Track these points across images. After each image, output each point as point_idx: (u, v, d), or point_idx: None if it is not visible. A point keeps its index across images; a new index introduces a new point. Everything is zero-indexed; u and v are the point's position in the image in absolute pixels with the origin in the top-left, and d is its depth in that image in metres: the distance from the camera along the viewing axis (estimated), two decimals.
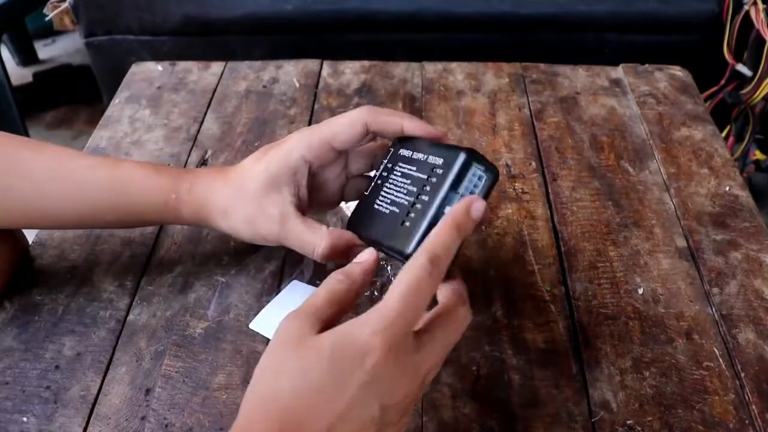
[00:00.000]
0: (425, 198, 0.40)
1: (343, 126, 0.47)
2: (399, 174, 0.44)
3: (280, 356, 0.35)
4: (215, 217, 0.49)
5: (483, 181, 0.40)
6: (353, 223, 0.47)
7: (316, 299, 0.38)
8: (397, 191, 0.43)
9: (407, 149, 0.45)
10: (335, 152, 0.48)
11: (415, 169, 0.42)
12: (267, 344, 0.48)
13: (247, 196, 0.48)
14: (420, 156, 0.43)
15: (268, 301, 0.53)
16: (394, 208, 0.42)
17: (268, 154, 0.48)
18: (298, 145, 0.47)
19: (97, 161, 0.50)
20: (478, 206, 0.39)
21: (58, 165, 0.49)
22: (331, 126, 0.47)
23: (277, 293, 0.53)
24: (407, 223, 0.40)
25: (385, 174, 0.46)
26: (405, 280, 0.36)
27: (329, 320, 0.37)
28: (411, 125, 0.45)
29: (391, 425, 0.36)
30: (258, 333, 0.51)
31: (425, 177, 0.41)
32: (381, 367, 0.34)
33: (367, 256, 0.41)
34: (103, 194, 0.49)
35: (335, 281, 0.39)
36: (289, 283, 0.54)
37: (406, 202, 0.41)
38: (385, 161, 0.47)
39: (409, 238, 0.39)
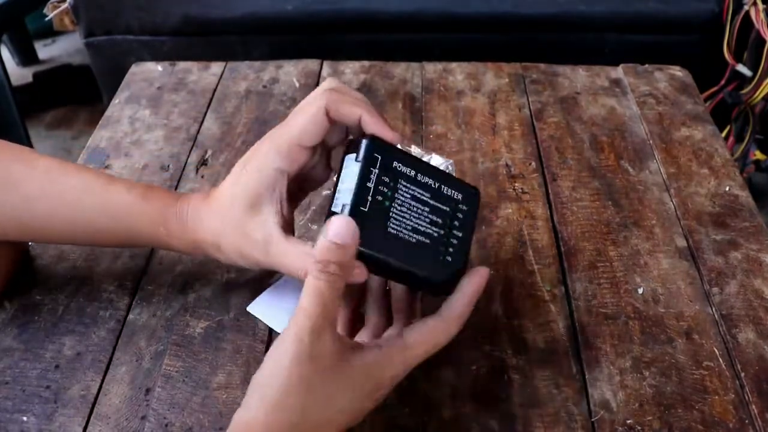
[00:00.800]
0: (459, 234, 0.43)
1: (306, 123, 0.43)
2: (410, 197, 0.42)
3: (319, 382, 0.38)
4: (211, 251, 0.48)
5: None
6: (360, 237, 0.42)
7: (328, 307, 0.38)
8: (417, 218, 0.42)
9: (403, 164, 0.42)
10: (307, 150, 0.45)
11: (430, 196, 0.42)
12: (264, 329, 0.49)
13: (232, 226, 0.46)
14: (429, 182, 0.43)
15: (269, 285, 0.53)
16: (422, 238, 0.42)
17: (244, 171, 0.45)
18: (269, 157, 0.44)
19: (88, 182, 0.49)
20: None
21: (49, 183, 0.49)
22: (296, 126, 0.44)
23: (278, 278, 0.54)
24: (449, 258, 0.43)
25: (384, 189, 0.41)
26: (435, 343, 0.42)
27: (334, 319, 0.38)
28: (369, 120, 0.42)
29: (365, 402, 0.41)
30: (257, 319, 0.51)
31: (449, 210, 0.43)
32: (382, 397, 0.41)
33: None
34: (94, 217, 0.49)
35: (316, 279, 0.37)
36: None
37: (436, 234, 0.42)
38: (375, 169, 0.41)
39: (448, 271, 0.43)
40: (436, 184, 0.43)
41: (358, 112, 0.42)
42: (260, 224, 0.45)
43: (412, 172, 0.42)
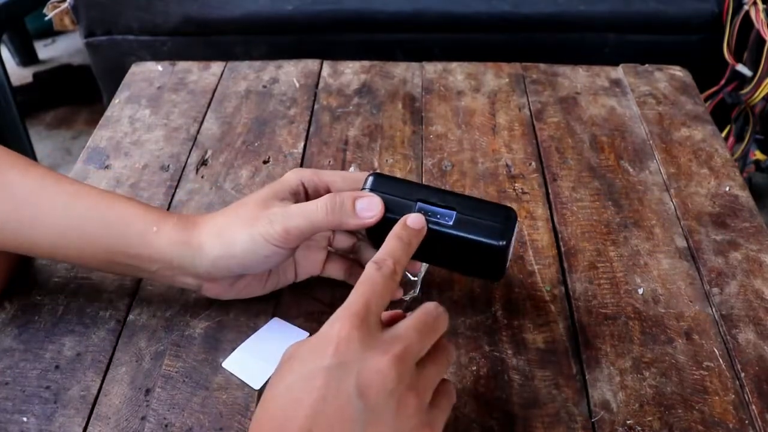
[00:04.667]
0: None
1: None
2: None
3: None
4: (203, 244, 0.47)
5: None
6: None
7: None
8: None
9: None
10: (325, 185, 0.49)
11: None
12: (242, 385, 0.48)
13: (248, 210, 0.47)
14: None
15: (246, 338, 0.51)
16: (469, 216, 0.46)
17: (263, 189, 0.49)
18: (291, 174, 0.49)
19: (83, 188, 0.49)
20: (412, 220, 0.45)
21: (41, 188, 0.48)
22: (326, 175, 0.49)
23: (255, 331, 0.51)
24: (498, 225, 0.46)
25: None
26: (360, 280, 0.40)
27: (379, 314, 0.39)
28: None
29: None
30: (258, 320, 0.51)
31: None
32: (345, 347, 0.36)
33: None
34: (81, 221, 0.47)
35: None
36: (270, 320, 0.52)
37: (479, 218, 0.46)
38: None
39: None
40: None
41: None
42: (280, 205, 0.47)
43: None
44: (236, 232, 0.46)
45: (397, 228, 0.44)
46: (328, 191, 0.49)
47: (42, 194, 0.48)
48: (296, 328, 0.51)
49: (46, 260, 0.57)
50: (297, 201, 0.48)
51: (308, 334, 0.50)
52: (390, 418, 0.35)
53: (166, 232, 0.47)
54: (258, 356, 0.49)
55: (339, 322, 0.37)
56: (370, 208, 0.46)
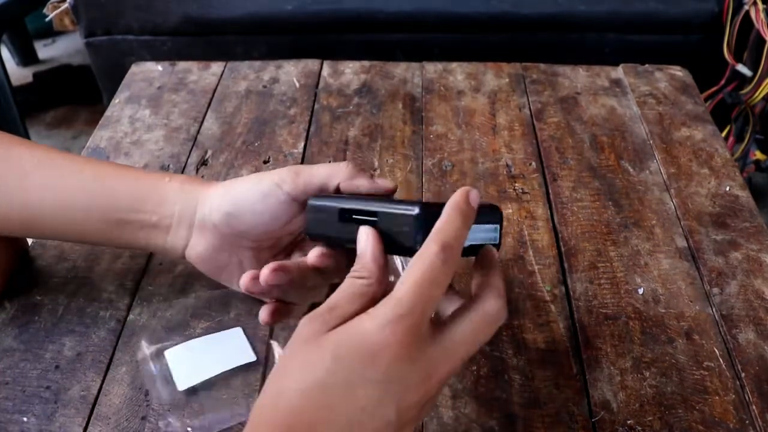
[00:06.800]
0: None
1: (325, 167, 0.46)
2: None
3: (286, 358, 0.34)
4: (212, 197, 0.47)
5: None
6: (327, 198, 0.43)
7: (334, 297, 0.35)
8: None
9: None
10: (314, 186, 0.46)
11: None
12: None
13: (254, 176, 0.47)
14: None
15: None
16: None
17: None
18: (283, 170, 0.47)
19: (89, 160, 0.51)
20: (474, 195, 0.37)
21: (50, 157, 0.49)
22: (314, 166, 0.47)
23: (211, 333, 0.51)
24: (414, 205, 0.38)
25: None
26: (418, 268, 0.33)
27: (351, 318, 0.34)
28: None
29: (409, 425, 0.34)
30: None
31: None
32: (395, 364, 0.32)
33: (362, 238, 0.38)
34: (91, 184, 0.48)
35: (353, 276, 0.36)
36: (233, 329, 0.51)
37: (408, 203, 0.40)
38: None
39: (416, 205, 0.38)
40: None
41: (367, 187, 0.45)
42: (277, 172, 0.46)
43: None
44: (246, 181, 0.47)
45: (460, 204, 0.36)
46: (309, 189, 0.46)
47: (50, 163, 0.49)
48: (249, 348, 0.49)
49: (46, 261, 0.57)
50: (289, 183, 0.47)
51: (255, 359, 0.49)
52: (414, 416, 0.34)
53: (178, 180, 0.49)
54: (198, 359, 0.49)
55: (391, 329, 0.32)
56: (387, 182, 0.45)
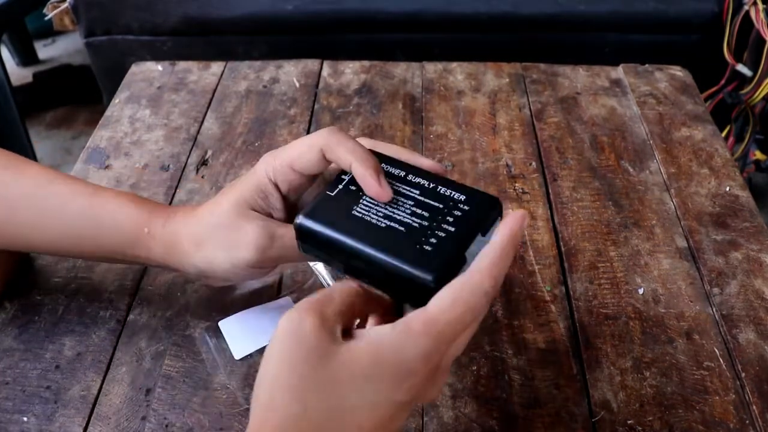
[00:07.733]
0: (450, 229, 0.38)
1: (301, 150, 0.43)
2: (392, 191, 0.40)
3: (305, 371, 0.33)
4: (188, 252, 0.46)
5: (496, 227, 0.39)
6: (319, 218, 0.40)
7: (334, 296, 0.35)
8: (395, 208, 0.39)
9: (394, 167, 0.42)
10: (300, 175, 0.44)
11: (419, 193, 0.40)
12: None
13: (222, 224, 0.45)
14: (424, 182, 0.41)
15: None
16: (398, 226, 0.38)
17: (236, 183, 0.46)
18: (262, 168, 0.44)
19: (76, 188, 0.49)
20: (526, 222, 0.37)
21: (35, 191, 0.48)
22: (292, 149, 0.44)
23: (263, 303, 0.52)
24: (427, 248, 0.37)
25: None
26: (465, 301, 0.33)
27: (350, 315, 0.36)
28: (359, 173, 0.40)
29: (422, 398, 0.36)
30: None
31: (442, 207, 0.39)
32: (419, 387, 0.34)
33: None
34: (77, 223, 0.48)
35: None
36: (282, 296, 0.53)
37: (417, 225, 0.38)
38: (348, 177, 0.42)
39: (433, 263, 0.36)
40: (431, 185, 0.40)
41: (350, 160, 0.41)
42: (257, 218, 0.44)
43: (401, 173, 0.41)
44: (215, 250, 0.45)
45: (517, 237, 0.36)
46: (302, 183, 0.45)
47: (36, 197, 0.48)
48: None
49: (46, 261, 0.57)
50: (267, 203, 0.45)
51: None
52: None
53: (158, 235, 0.47)
54: (252, 328, 0.50)
55: (423, 362, 0.33)
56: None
